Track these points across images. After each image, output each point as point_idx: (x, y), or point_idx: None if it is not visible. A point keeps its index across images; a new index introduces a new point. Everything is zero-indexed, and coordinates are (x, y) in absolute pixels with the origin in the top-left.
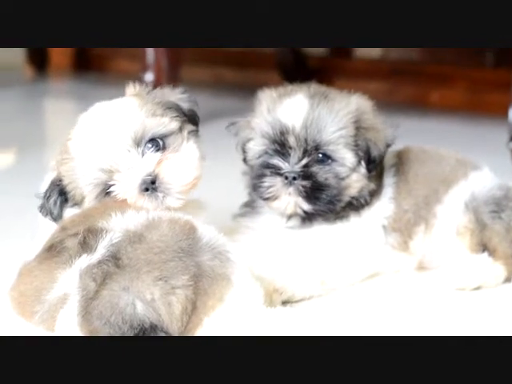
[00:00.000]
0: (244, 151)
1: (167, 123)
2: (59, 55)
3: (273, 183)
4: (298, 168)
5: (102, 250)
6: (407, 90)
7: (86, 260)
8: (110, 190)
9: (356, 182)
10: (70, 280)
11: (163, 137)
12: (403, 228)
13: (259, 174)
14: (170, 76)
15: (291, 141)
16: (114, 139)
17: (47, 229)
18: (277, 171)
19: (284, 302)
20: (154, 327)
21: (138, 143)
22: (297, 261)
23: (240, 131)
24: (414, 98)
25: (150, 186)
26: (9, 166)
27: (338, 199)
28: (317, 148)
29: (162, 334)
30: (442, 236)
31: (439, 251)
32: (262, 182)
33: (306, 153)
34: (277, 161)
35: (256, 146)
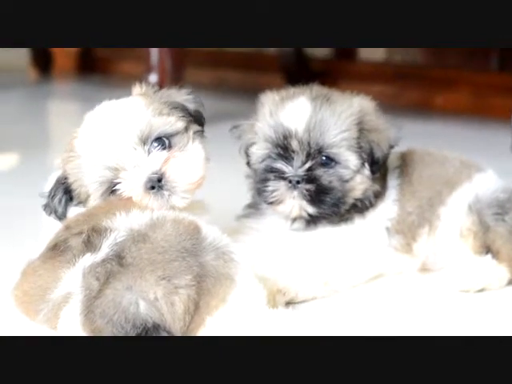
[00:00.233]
0: (247, 155)
1: (174, 122)
2: (63, 57)
3: (277, 187)
4: (301, 172)
5: (106, 249)
6: (411, 93)
7: (89, 259)
8: (116, 188)
9: (360, 183)
10: (73, 279)
11: (169, 136)
12: (407, 230)
13: (263, 178)
14: (174, 77)
15: (294, 145)
16: (121, 137)
17: (51, 228)
18: (280, 175)
19: (287, 303)
20: (156, 327)
21: (144, 141)
22: (300, 262)
23: (243, 135)
24: (418, 101)
25: (156, 184)
26: (13, 168)
27: (342, 202)
28: (320, 151)
29: (165, 334)
30: (446, 238)
31: (443, 253)
32: (266, 187)
33: (309, 156)
34: (280, 165)
35: (259, 150)
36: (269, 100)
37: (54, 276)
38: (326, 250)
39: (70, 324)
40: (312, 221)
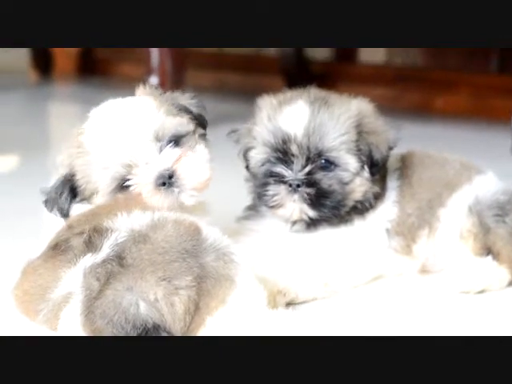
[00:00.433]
0: (246, 159)
1: (185, 124)
2: (64, 59)
3: (277, 191)
4: (301, 175)
5: (106, 249)
6: (412, 95)
7: (90, 259)
8: (126, 184)
9: (360, 186)
10: (74, 279)
11: (181, 136)
12: (406, 232)
13: (263, 182)
14: (175, 80)
15: (293, 149)
16: (135, 134)
17: (51, 225)
18: (281, 179)
19: (287, 304)
20: (156, 327)
21: (158, 140)
22: (300, 263)
23: (241, 139)
24: (418, 103)
25: (167, 180)
26: (13, 169)
27: (342, 204)
28: (319, 155)
29: (165, 334)
30: (446, 240)
31: (442, 255)
32: (267, 191)
33: (308, 160)
34: (280, 169)
35: (258, 155)
36: (266, 104)
37: (55, 275)
38: (326, 252)
39: (70, 324)
40: (312, 223)
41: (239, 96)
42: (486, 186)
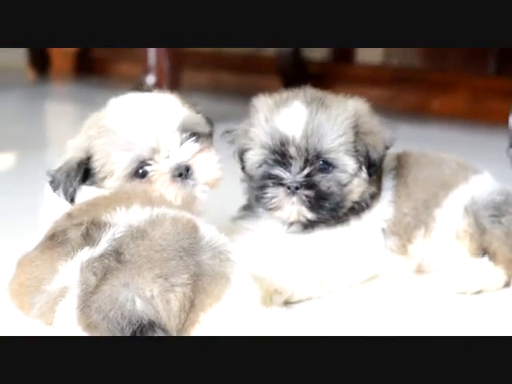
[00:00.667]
0: (241, 160)
1: (204, 124)
2: (61, 58)
3: (275, 194)
4: (300, 178)
5: (104, 243)
6: (409, 97)
7: (87, 253)
8: (143, 170)
9: (357, 186)
10: (70, 273)
11: (200, 134)
12: (402, 232)
13: (261, 185)
14: (172, 79)
15: (292, 151)
16: (161, 121)
17: (52, 209)
18: (279, 181)
19: (283, 303)
20: (152, 324)
21: (182, 131)
22: (296, 262)
23: (236, 139)
24: (415, 105)
25: (184, 172)
26: (10, 168)
27: (341, 206)
28: (318, 156)
29: (160, 331)
30: (442, 240)
31: (438, 255)
32: (265, 193)
33: (307, 162)
34: (278, 171)
35: (255, 156)
36: (263, 105)
37: (51, 268)
38: (322, 251)
39: (66, 318)
40: (309, 225)
41: (236, 96)
42: (482, 186)
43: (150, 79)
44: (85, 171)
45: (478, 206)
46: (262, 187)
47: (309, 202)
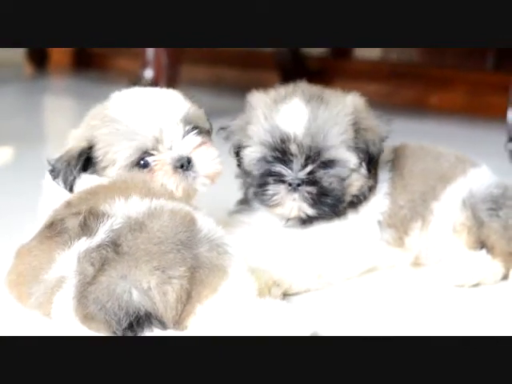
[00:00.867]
0: (238, 156)
1: (206, 120)
2: (59, 53)
3: (277, 191)
4: (302, 175)
5: (102, 234)
6: (407, 92)
7: (85, 243)
8: (145, 160)
9: (357, 181)
10: (67, 262)
11: (202, 130)
12: (399, 224)
13: (261, 182)
14: (170, 73)
15: (293, 148)
16: (165, 112)
17: (51, 196)
18: (280, 179)
19: (282, 296)
20: (148, 315)
21: (185, 124)
22: (294, 254)
23: (231, 136)
24: (413, 100)
25: (186, 163)
26: (8, 162)
27: (341, 201)
28: (319, 153)
29: (157, 323)
30: (439, 233)
31: (436, 248)
32: (266, 190)
33: (308, 159)
34: (280, 168)
35: (253, 153)
36: (260, 102)
37: (49, 257)
38: (320, 244)
39: (63, 309)
40: (308, 219)
41: (235, 91)
42: (480, 179)
43: (148, 74)
44: (86, 160)
45: (476, 199)
46: (263, 184)
47: (311, 198)
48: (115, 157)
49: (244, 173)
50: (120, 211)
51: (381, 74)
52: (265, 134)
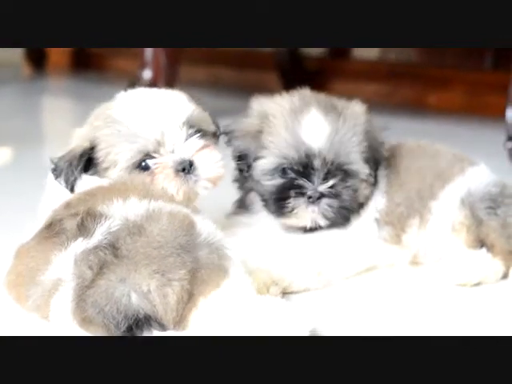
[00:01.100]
0: (241, 161)
1: (210, 122)
2: (57, 53)
3: (298, 204)
4: (323, 188)
5: (99, 235)
6: (405, 91)
7: (81, 245)
8: (146, 162)
9: (365, 189)
10: (64, 264)
11: (205, 132)
12: (396, 221)
13: (283, 195)
14: (168, 74)
15: (316, 163)
16: (168, 115)
17: (53, 196)
18: (301, 191)
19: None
20: (147, 318)
21: (188, 127)
22: (293, 253)
23: (235, 141)
24: (412, 99)
25: (188, 167)
26: (6, 163)
27: (354, 212)
28: (339, 167)
29: (156, 325)
30: (438, 232)
31: (434, 246)
32: (287, 203)
33: (329, 173)
34: (302, 182)
35: (267, 165)
36: (275, 111)
37: (46, 258)
38: (319, 242)
39: (61, 312)
40: (316, 228)
41: (233, 91)
42: (478, 177)
43: (147, 74)
44: (88, 161)
45: (475, 197)
46: (284, 198)
47: (332, 212)
48: (116, 158)
49: (250, 180)
50: (118, 212)
51: (379, 74)
52: (287, 148)
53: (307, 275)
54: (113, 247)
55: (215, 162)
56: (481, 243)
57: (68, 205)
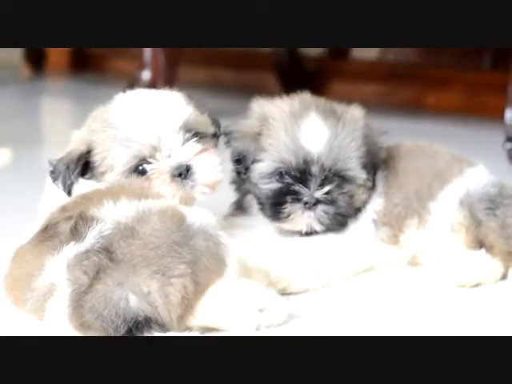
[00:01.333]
0: (239, 164)
1: (209, 124)
2: (56, 54)
3: (294, 210)
4: (319, 194)
5: (91, 239)
6: (404, 92)
7: (73, 249)
8: (143, 167)
9: (362, 194)
10: (56, 269)
11: (203, 135)
12: (393, 222)
13: (279, 200)
14: (167, 75)
15: (314, 169)
16: (165, 119)
17: (51, 199)
18: (298, 197)
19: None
20: (148, 320)
21: (184, 131)
22: (292, 254)
23: (234, 143)
24: (410, 100)
25: (184, 172)
26: (5, 164)
27: (350, 217)
28: (336, 173)
29: (156, 327)
30: (436, 232)
31: (433, 247)
32: (283, 208)
33: (326, 179)
34: (299, 188)
35: (265, 168)
36: (275, 114)
37: (39, 263)
38: (317, 243)
39: (56, 316)
40: (311, 233)
41: (232, 92)
42: (477, 178)
43: (146, 75)
44: (85, 164)
45: (473, 198)
46: (280, 203)
47: (328, 218)
48: (112, 163)
49: (248, 183)
50: (108, 215)
51: (378, 74)
52: (287, 153)
53: (306, 276)
54: (107, 251)
55: (213, 167)
56: (480, 244)
57: (64, 208)
